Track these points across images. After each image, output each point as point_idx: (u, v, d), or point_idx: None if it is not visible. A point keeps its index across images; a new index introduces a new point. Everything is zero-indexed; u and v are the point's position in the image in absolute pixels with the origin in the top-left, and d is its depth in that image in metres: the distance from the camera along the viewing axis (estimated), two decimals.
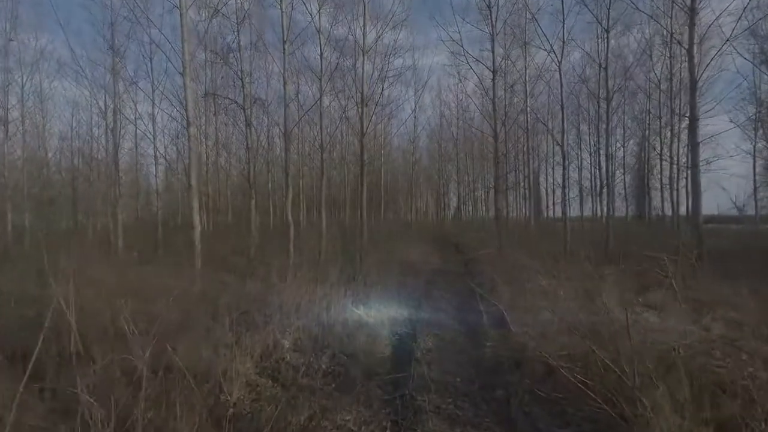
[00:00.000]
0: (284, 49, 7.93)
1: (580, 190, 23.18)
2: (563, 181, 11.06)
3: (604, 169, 15.41)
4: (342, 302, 5.96)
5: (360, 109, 9.63)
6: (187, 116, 7.05)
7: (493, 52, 10.44)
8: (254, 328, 4.76)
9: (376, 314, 6.11)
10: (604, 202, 16.19)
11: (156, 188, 17.33)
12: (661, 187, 17.61)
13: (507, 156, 14.20)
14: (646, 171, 21.86)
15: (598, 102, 13.30)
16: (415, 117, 21.96)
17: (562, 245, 11.37)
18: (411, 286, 8.17)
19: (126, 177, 22.27)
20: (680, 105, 13.43)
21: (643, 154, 21.24)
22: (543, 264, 7.03)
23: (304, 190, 21.38)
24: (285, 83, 7.78)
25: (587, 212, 24.25)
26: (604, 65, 11.82)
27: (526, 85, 14.67)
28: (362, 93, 9.50)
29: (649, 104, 17.45)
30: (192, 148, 7.01)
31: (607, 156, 11.34)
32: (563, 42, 11.29)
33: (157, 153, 13.56)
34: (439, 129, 26.32)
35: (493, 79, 10.37)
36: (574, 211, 24.61)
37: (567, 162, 11.40)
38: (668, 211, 19.68)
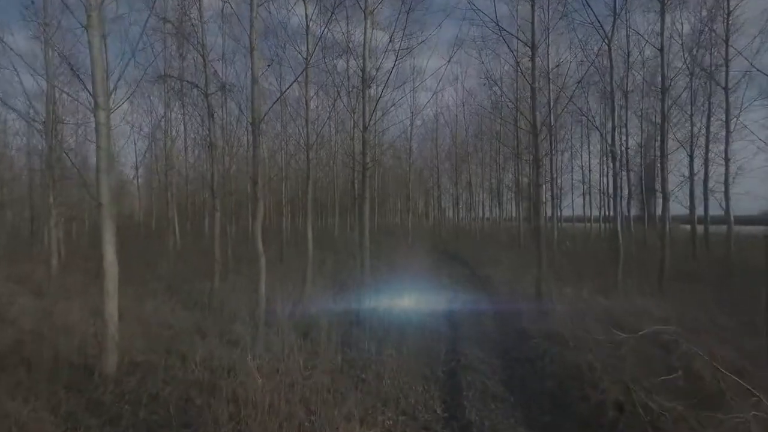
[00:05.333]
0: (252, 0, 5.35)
1: (589, 191, 21.29)
2: (614, 187, 8.71)
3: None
4: (346, 407, 3.46)
5: (361, 94, 7.08)
6: (94, 93, 4.43)
7: (533, 22, 7.97)
8: None
9: (405, 426, 3.62)
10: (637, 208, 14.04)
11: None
12: (695, 188, 15.43)
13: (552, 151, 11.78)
14: (654, 170, 19.76)
15: (641, 92, 11.15)
16: (411, 113, 19.49)
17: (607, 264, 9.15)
18: (437, 343, 5.71)
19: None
20: (742, 97, 11.28)
21: (650, 152, 18.99)
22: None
23: (288, 193, 18.76)
24: (252, 48, 5.15)
25: (579, 213, 22.69)
26: (658, 46, 9.57)
27: (548, 69, 12.35)
28: (363, 71, 6.92)
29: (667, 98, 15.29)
30: (102, 146, 4.38)
31: (663, 156, 9.06)
32: (614, 15, 8.91)
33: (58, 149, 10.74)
34: (435, 127, 23.83)
35: (533, 57, 7.90)
36: (569, 213, 22.98)
37: (620, 164, 9.10)
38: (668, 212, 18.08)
